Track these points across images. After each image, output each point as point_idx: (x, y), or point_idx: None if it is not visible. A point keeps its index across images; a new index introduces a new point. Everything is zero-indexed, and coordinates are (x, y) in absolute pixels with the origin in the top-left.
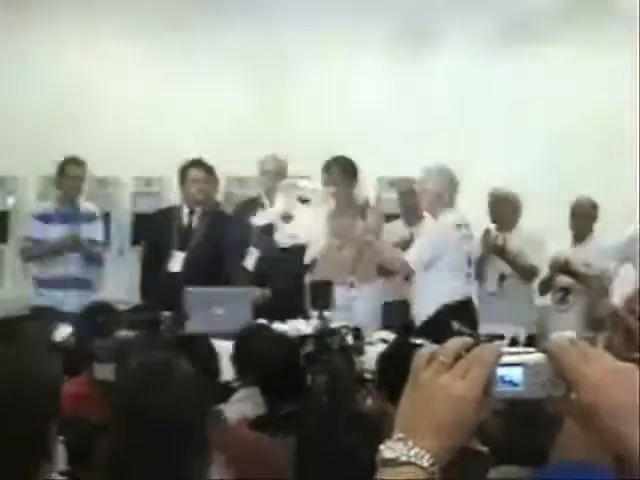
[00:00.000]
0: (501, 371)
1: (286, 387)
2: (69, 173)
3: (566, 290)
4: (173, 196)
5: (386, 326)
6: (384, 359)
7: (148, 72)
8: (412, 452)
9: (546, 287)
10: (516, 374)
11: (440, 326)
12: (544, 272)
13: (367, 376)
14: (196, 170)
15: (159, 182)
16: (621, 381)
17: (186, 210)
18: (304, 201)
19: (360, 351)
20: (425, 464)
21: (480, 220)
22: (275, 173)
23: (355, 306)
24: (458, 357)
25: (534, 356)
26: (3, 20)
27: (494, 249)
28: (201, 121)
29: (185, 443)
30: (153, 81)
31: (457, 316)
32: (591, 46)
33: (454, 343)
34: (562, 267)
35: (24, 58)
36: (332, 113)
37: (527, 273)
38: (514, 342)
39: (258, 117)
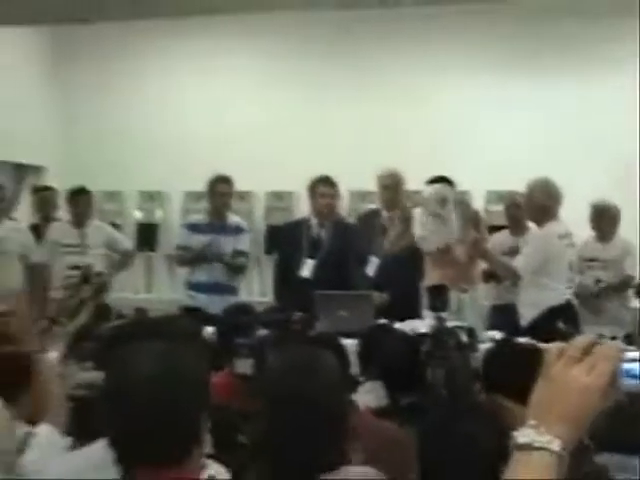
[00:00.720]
0: (624, 366)
1: (407, 381)
2: (219, 190)
3: None
4: (302, 209)
5: (493, 327)
6: (490, 356)
7: (280, 97)
8: (544, 438)
9: None
10: (638, 369)
11: (545, 327)
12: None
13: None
14: (324, 186)
15: (289, 197)
16: None
17: (315, 222)
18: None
19: (474, 349)
20: (556, 449)
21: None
22: (392, 187)
23: (466, 308)
24: (585, 353)
25: None
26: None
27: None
28: (327, 140)
29: (331, 427)
30: (284, 105)
31: (561, 318)
32: None
33: (582, 340)
34: None
35: (174, 88)
36: (442, 132)
37: (622, 284)
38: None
39: (379, 136)
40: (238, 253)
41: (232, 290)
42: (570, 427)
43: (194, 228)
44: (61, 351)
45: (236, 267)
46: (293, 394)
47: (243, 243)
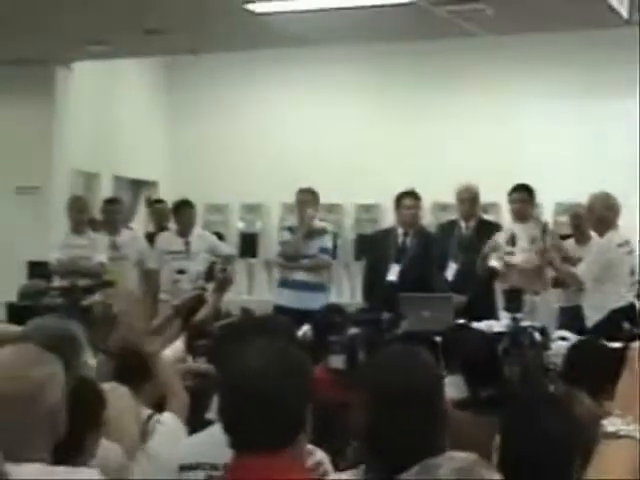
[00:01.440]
0: None
1: (486, 375)
2: (303, 199)
3: None
4: (387, 220)
5: (562, 327)
6: (572, 353)
7: (368, 119)
8: (630, 427)
9: None
10: None
11: (610, 327)
12: None
13: (551, 367)
14: (408, 199)
15: (376, 209)
16: None
17: (400, 231)
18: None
19: (546, 347)
20: None
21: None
22: (469, 200)
23: (538, 310)
24: None
25: None
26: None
27: None
28: (411, 157)
29: (430, 417)
30: (373, 127)
31: (625, 318)
32: None
33: None
34: None
35: (274, 111)
36: (515, 149)
37: None
38: None
39: (458, 152)
40: (323, 250)
41: (320, 287)
42: None
43: (290, 229)
44: (182, 346)
45: (320, 263)
46: (398, 388)
47: (326, 242)
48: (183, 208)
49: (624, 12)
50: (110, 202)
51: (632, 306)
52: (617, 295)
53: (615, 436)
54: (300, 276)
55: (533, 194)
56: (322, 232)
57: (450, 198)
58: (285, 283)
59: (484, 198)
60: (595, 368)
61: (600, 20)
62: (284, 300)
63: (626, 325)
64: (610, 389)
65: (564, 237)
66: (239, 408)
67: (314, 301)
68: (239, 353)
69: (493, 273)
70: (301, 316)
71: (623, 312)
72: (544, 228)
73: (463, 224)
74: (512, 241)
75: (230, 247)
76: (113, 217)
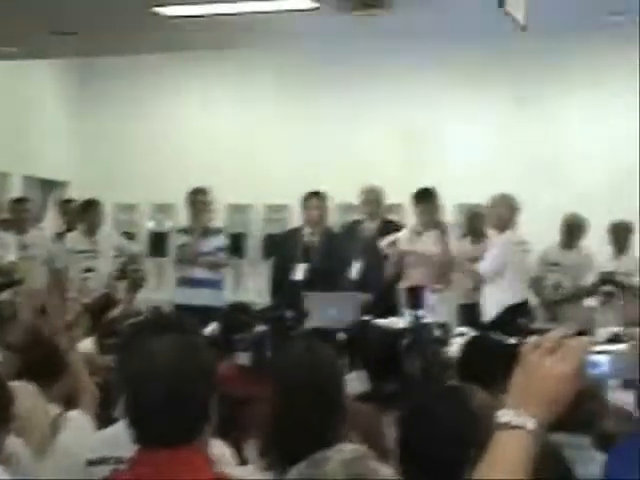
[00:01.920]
0: (592, 357)
1: (388, 370)
2: (197, 200)
3: (609, 294)
4: (295, 221)
5: (461, 323)
6: (467, 347)
7: (280, 121)
8: (522, 418)
9: (594, 292)
10: (604, 359)
11: (506, 323)
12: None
13: (451, 362)
14: (314, 199)
15: (285, 209)
16: None
17: (307, 230)
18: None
19: (446, 343)
20: (531, 427)
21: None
22: (373, 200)
23: (438, 307)
24: (558, 345)
25: (619, 346)
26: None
27: None
28: (318, 159)
29: (332, 410)
30: (283, 129)
31: (520, 314)
32: None
33: (556, 333)
34: (608, 277)
35: (179, 115)
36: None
37: (578, 293)
38: (576, 334)
39: (360, 155)
40: (218, 249)
41: (216, 285)
42: (544, 409)
43: (186, 232)
44: (90, 343)
45: (215, 263)
46: (300, 382)
47: (220, 241)
48: (90, 207)
49: (520, 18)
50: (18, 202)
51: (526, 302)
52: (514, 291)
53: (508, 426)
54: (198, 274)
55: (434, 198)
56: (217, 232)
57: (355, 199)
58: (184, 281)
59: (389, 199)
60: (489, 363)
61: (496, 26)
62: (184, 298)
63: (522, 320)
64: (504, 383)
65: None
66: (144, 403)
67: (213, 298)
68: (144, 349)
69: (397, 274)
70: (201, 313)
71: (518, 308)
72: (443, 228)
73: (367, 224)
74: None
75: (138, 246)
76: (21, 216)
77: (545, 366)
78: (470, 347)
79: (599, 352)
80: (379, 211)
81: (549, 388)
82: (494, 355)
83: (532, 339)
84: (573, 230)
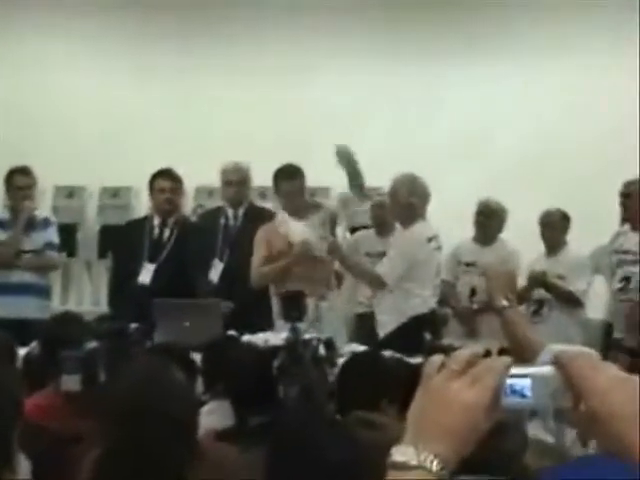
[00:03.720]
0: (510, 381)
1: (256, 399)
2: (17, 183)
3: (540, 302)
4: (143, 208)
5: (355, 338)
6: (345, 370)
7: (119, 83)
8: (422, 456)
9: (521, 299)
10: (525, 384)
11: (408, 338)
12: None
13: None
14: (164, 180)
15: (127, 193)
16: (626, 389)
17: (156, 221)
18: None
19: (332, 363)
20: (434, 468)
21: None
22: (238, 182)
23: (324, 318)
24: (469, 366)
25: (542, 368)
26: None
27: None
28: (170, 132)
29: (180, 449)
30: (122, 92)
31: (426, 328)
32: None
33: (465, 352)
34: (539, 280)
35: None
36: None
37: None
38: (488, 354)
39: (227, 127)
40: (48, 245)
41: (44, 291)
42: (450, 445)
43: (2, 225)
44: None
45: (45, 264)
46: (143, 412)
47: (52, 235)
48: None
49: None
50: None
51: (433, 312)
52: (420, 299)
53: (405, 467)
54: (19, 278)
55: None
56: (46, 224)
57: (218, 181)
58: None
59: (261, 181)
60: (367, 388)
61: None
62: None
63: (427, 336)
64: (390, 410)
65: (359, 228)
66: None
67: (39, 309)
68: None
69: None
70: (22, 328)
71: (424, 320)
72: (332, 217)
73: (230, 212)
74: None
75: None
76: None
77: (451, 391)
78: (347, 369)
79: (519, 375)
80: (245, 195)
81: (456, 419)
82: (376, 379)
83: (435, 357)
84: (490, 220)
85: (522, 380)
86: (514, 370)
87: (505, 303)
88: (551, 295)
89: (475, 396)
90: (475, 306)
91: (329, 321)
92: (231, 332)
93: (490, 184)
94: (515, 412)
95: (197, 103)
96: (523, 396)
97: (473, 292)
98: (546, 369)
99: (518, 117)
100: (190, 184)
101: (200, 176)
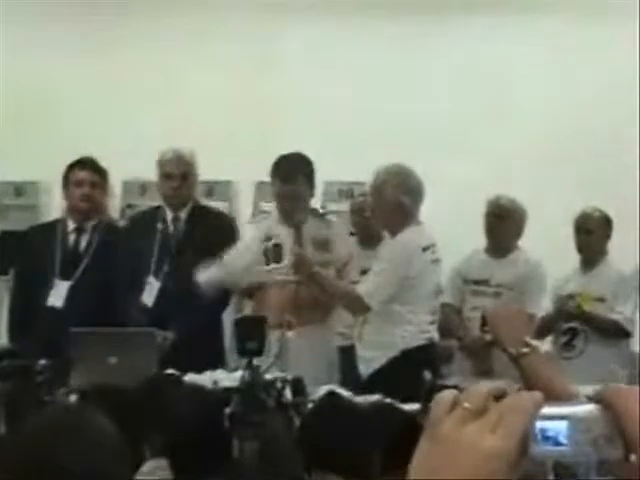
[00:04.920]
0: (541, 424)
1: (203, 457)
2: None
3: (574, 332)
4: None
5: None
6: (310, 421)
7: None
8: None
9: (547, 330)
10: (560, 429)
11: (399, 378)
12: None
13: None
14: (81, 171)
15: (33, 190)
16: None
17: (71, 226)
18: None
19: (301, 410)
20: None
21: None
22: (178, 176)
23: (292, 351)
24: (488, 405)
25: (583, 407)
26: None
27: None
28: (94, 114)
29: None
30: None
31: (424, 364)
32: None
33: (482, 388)
34: (572, 313)
35: None
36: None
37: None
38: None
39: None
40: None
41: None
42: None
43: None
44: None
45: None
46: (49, 472)
47: None
48: None
49: None
50: None
51: (432, 344)
52: (414, 327)
53: None
54: None
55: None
56: None
57: (153, 174)
58: None
59: (209, 174)
60: (342, 441)
61: None
62: None
63: (427, 375)
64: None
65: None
66: None
67: None
68: None
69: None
70: None
71: (421, 354)
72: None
73: (169, 214)
74: (277, 253)
75: None
76: None
77: (467, 437)
78: (312, 418)
79: (553, 417)
80: (189, 192)
81: (473, 471)
82: (355, 429)
83: (446, 393)
84: (504, 224)
85: (557, 423)
86: (546, 410)
87: (523, 350)
88: (589, 326)
89: (497, 443)
90: (488, 337)
91: (299, 355)
92: (170, 370)
93: (503, 177)
94: (547, 463)
95: (127, 80)
96: (558, 443)
97: (485, 319)
98: (587, 408)
99: (542, 87)
100: (117, 177)
101: (130, 168)
